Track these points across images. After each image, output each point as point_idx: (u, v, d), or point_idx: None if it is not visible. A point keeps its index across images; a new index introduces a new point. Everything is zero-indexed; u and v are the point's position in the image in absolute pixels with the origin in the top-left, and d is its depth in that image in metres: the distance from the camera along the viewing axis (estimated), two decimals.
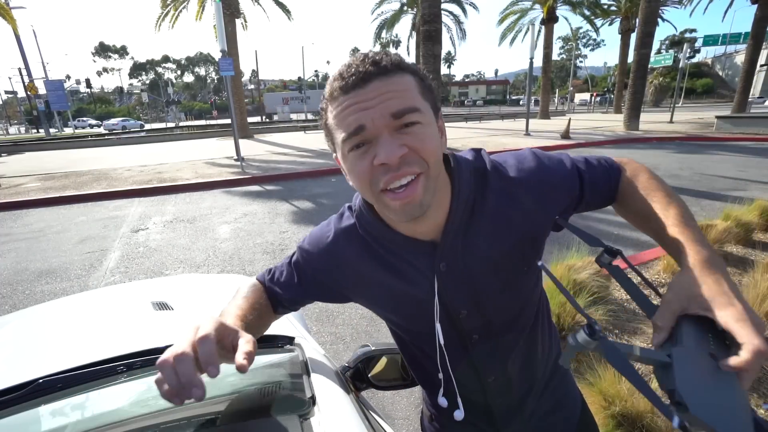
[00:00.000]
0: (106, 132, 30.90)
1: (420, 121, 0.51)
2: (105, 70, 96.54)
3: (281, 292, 0.71)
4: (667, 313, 0.44)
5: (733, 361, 0.38)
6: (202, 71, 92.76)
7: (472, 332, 0.63)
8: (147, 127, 36.21)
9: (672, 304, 0.44)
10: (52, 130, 28.39)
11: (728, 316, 0.40)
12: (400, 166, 0.50)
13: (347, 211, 0.67)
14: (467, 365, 0.65)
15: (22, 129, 40.90)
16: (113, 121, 38.99)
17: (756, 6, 15.89)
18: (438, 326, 0.61)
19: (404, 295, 0.62)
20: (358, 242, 0.64)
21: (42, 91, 22.93)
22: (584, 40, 77.63)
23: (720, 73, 47.55)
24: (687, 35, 62.27)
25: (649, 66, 14.91)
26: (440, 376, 0.65)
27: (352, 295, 0.69)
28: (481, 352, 0.64)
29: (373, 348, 0.91)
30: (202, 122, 43.11)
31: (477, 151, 0.64)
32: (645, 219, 0.58)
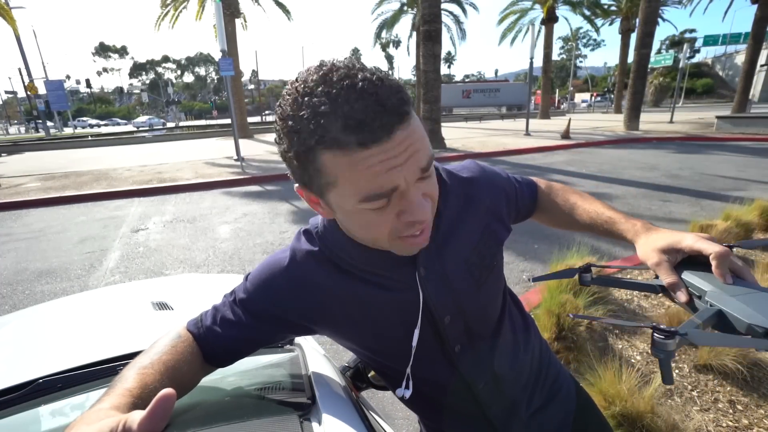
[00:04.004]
0: (134, 129, 33.57)
1: (430, 174, 0.48)
2: (105, 70, 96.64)
3: (221, 337, 0.59)
4: (665, 271, 0.53)
5: (716, 271, 0.49)
6: (202, 71, 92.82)
7: (456, 341, 0.62)
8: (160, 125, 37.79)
9: (660, 264, 0.53)
10: (51, 131, 28.41)
11: (690, 243, 0.52)
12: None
13: (304, 236, 0.62)
14: (457, 379, 0.64)
15: (22, 129, 41.07)
16: (142, 119, 43.71)
17: (756, 6, 15.88)
18: (416, 332, 0.59)
19: (385, 307, 0.59)
20: (326, 263, 0.59)
21: (42, 91, 22.92)
22: (584, 40, 77.67)
23: (720, 73, 47.50)
24: (687, 35, 62.27)
25: (649, 66, 14.90)
26: (408, 370, 0.62)
27: (316, 323, 0.62)
28: (466, 362, 0.64)
29: None
30: (202, 122, 43.31)
31: None
32: (569, 215, 0.71)
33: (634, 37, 16.02)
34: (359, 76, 0.42)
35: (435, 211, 0.52)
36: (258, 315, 0.60)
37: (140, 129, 32.59)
